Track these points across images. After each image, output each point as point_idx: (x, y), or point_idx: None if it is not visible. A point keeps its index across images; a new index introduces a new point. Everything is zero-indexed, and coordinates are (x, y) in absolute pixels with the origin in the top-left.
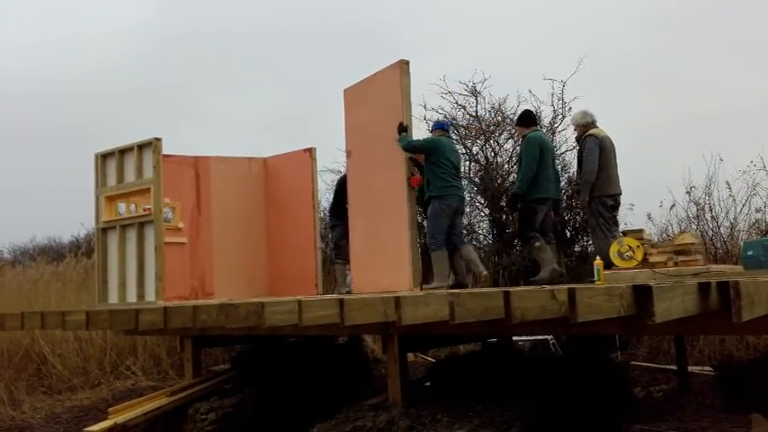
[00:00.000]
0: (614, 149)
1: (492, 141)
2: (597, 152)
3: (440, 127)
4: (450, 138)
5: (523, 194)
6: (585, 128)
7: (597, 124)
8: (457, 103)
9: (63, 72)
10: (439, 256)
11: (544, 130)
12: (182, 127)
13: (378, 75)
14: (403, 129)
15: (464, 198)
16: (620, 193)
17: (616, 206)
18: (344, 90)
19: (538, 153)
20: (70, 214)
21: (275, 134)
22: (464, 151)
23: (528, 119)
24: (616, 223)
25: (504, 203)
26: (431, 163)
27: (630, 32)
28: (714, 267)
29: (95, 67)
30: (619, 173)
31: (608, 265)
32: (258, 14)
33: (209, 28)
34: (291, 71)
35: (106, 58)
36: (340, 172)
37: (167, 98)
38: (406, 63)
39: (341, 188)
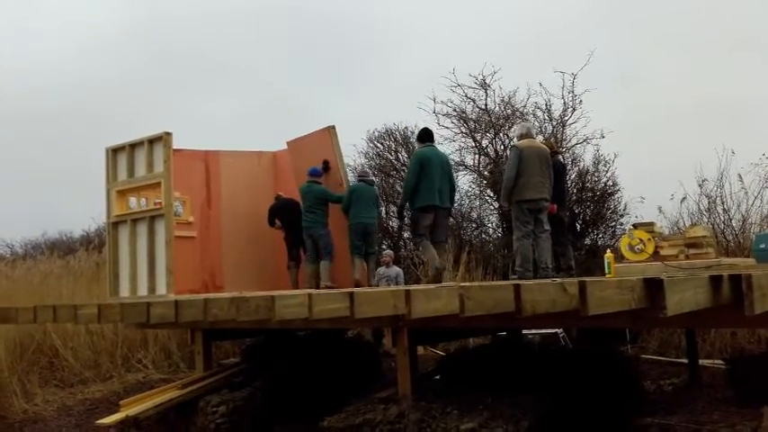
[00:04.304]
0: (541, 158)
1: (501, 134)
2: (515, 161)
3: (308, 173)
4: (312, 182)
5: (408, 204)
6: (519, 139)
7: (532, 135)
8: (466, 95)
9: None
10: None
11: (553, 124)
12: (156, 122)
13: (312, 136)
14: (326, 167)
15: (310, 227)
16: (539, 199)
17: (536, 210)
18: (287, 142)
19: (418, 167)
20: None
21: (244, 131)
22: (473, 144)
23: (421, 136)
24: (540, 224)
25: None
26: None
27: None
28: (726, 260)
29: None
30: (543, 180)
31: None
32: (227, 11)
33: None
34: (267, 68)
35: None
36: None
37: (141, 94)
38: (333, 127)
39: (270, 213)
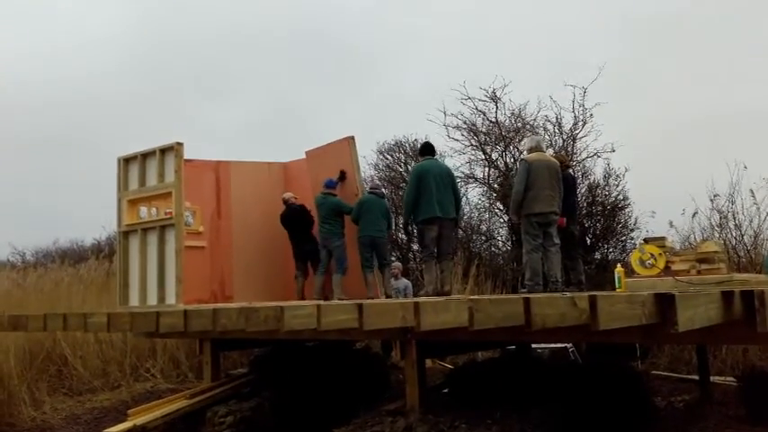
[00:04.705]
0: (551, 171)
1: (511, 147)
2: (524, 175)
3: (323, 185)
4: (327, 194)
5: (412, 219)
6: (528, 152)
7: (542, 149)
8: (476, 108)
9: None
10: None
11: (563, 137)
12: (164, 133)
13: (331, 146)
14: (342, 177)
15: (325, 238)
16: (549, 212)
17: (544, 223)
18: (306, 152)
19: (415, 182)
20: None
21: (253, 139)
22: (483, 157)
23: (422, 150)
24: (549, 237)
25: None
26: None
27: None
28: (737, 276)
29: (82, 74)
30: (552, 193)
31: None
32: (236, 22)
33: (187, 36)
34: (273, 76)
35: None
36: None
37: (150, 105)
38: (352, 138)
39: (284, 220)
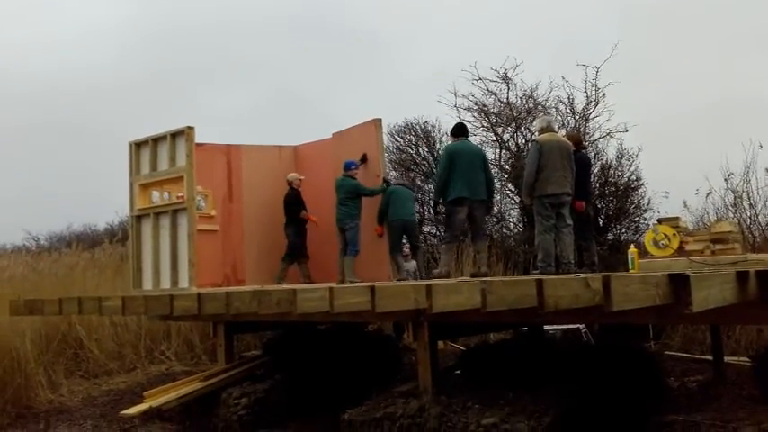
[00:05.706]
0: (562, 153)
1: (523, 128)
2: (535, 156)
3: (343, 167)
4: (347, 176)
5: (441, 198)
6: (540, 133)
7: (553, 129)
8: (487, 89)
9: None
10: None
11: (575, 118)
12: (165, 119)
13: (357, 128)
14: (363, 159)
15: (340, 219)
16: (561, 193)
17: (556, 204)
18: (333, 133)
19: (447, 162)
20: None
21: (255, 126)
22: (495, 138)
23: (455, 131)
24: (562, 218)
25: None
26: None
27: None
28: (752, 256)
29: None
30: (565, 174)
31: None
32: (238, 9)
33: (189, 23)
34: (275, 64)
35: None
36: None
37: (151, 92)
38: (379, 120)
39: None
